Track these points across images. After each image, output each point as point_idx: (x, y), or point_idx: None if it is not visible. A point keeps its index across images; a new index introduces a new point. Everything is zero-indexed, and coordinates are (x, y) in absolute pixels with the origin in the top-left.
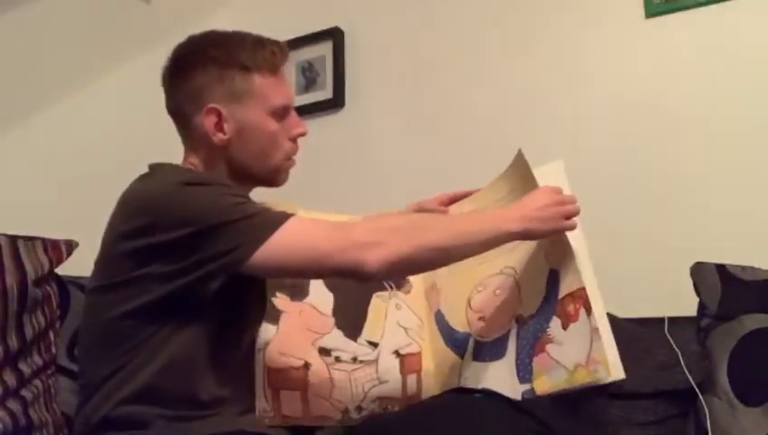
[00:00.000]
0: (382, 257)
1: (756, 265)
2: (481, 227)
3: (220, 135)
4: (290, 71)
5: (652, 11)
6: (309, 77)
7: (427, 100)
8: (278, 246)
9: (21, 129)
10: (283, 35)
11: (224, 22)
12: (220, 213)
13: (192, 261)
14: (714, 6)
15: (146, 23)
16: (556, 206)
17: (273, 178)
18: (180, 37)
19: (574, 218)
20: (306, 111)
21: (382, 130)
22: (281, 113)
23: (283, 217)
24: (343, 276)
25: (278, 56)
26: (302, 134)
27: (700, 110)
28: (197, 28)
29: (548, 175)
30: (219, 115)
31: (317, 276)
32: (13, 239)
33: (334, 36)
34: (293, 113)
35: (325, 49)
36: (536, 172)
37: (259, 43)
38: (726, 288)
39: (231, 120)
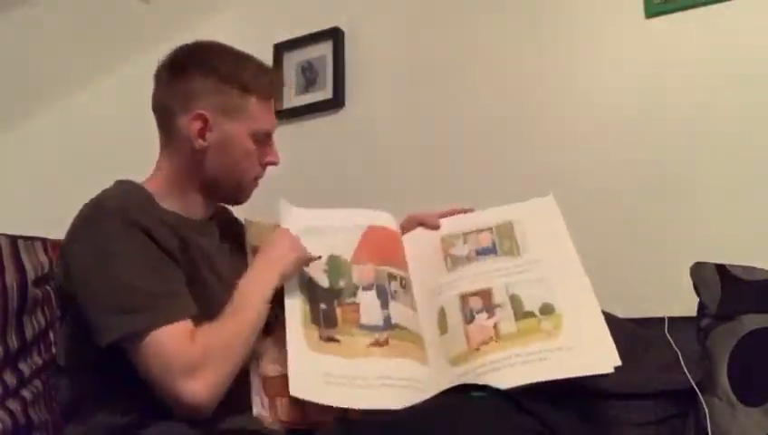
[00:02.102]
0: (206, 395)
1: (756, 265)
2: (254, 301)
3: (200, 141)
4: (290, 71)
5: (652, 11)
6: (309, 77)
7: (427, 100)
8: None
9: (21, 129)
10: (283, 35)
11: (224, 22)
12: (97, 288)
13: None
14: (714, 6)
15: (146, 23)
16: (290, 239)
17: (237, 194)
18: (180, 37)
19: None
20: (306, 111)
21: (382, 130)
22: (261, 138)
23: (159, 319)
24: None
25: (274, 85)
26: (274, 163)
27: (700, 109)
28: (197, 28)
29: (540, 204)
30: (206, 122)
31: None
32: (13, 239)
33: (334, 36)
34: (273, 141)
35: (325, 49)
36: (529, 202)
37: (261, 68)
38: (726, 288)
39: (215, 130)
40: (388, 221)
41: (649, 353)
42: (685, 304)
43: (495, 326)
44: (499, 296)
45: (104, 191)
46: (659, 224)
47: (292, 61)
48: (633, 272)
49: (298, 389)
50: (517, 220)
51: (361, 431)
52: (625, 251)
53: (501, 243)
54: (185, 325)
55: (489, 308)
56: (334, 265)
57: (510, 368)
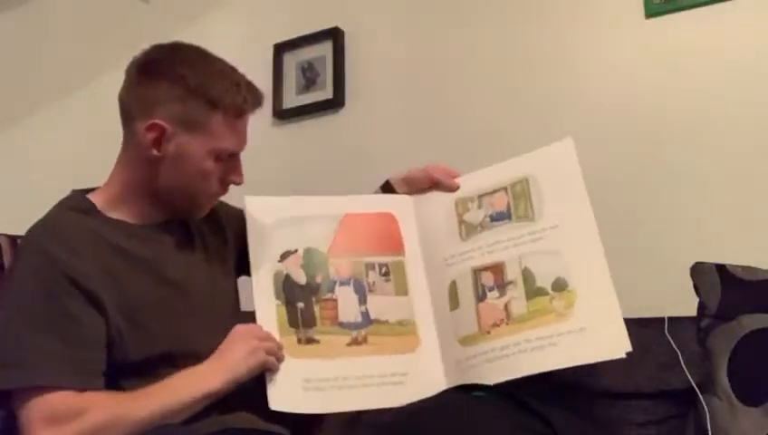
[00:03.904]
0: None
1: (756, 265)
2: (185, 396)
3: (154, 151)
4: (290, 71)
5: (652, 11)
6: (309, 77)
7: (427, 100)
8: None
9: (21, 128)
10: (283, 35)
11: (224, 22)
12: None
13: None
14: (714, 6)
15: (146, 23)
16: (252, 342)
17: (191, 209)
18: (180, 37)
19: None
20: (306, 111)
21: (382, 130)
22: (224, 157)
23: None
24: None
25: (249, 103)
26: (237, 183)
27: (700, 109)
28: (197, 28)
29: (557, 153)
30: (162, 133)
31: None
32: (13, 239)
33: (334, 36)
34: (239, 160)
35: (325, 49)
36: (546, 150)
37: (236, 83)
38: (726, 288)
39: (172, 142)
40: (369, 205)
41: (649, 353)
42: (685, 304)
43: (506, 307)
44: (511, 272)
45: (45, 215)
46: (659, 223)
47: (292, 61)
48: (633, 272)
49: (277, 402)
50: (532, 176)
51: (361, 431)
52: (625, 251)
53: (516, 206)
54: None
55: (501, 286)
56: (311, 259)
57: (520, 355)
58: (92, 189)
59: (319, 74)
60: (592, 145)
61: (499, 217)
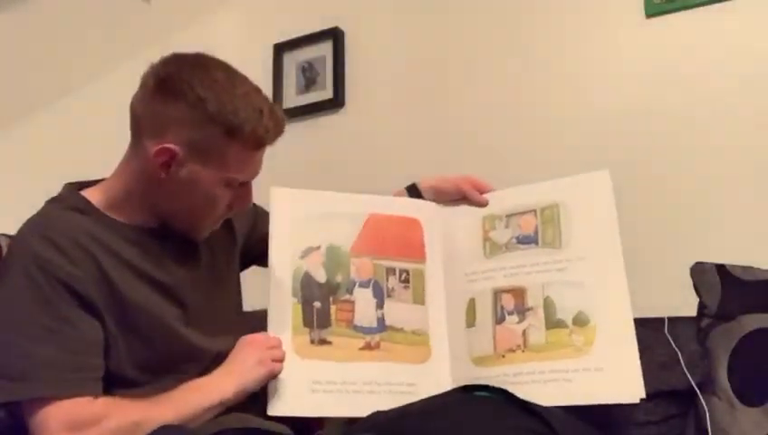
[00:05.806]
0: None
1: (756, 265)
2: (198, 404)
3: (161, 174)
4: (290, 71)
5: (652, 11)
6: (309, 77)
7: (427, 100)
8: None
9: (21, 128)
10: (283, 35)
11: (224, 22)
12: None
13: None
14: (714, 6)
15: (146, 23)
16: (261, 352)
17: (191, 233)
18: (180, 37)
19: (281, 364)
20: (306, 111)
21: (382, 130)
22: (235, 184)
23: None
24: None
25: (271, 134)
26: (243, 209)
27: (700, 109)
28: (198, 28)
29: (592, 184)
30: (173, 157)
31: None
32: None
33: (334, 36)
34: (249, 187)
35: (325, 49)
36: (581, 178)
37: (260, 111)
38: (726, 288)
39: (183, 167)
40: (396, 208)
41: (649, 353)
42: (685, 304)
43: (524, 333)
44: (533, 298)
45: (36, 215)
46: (659, 223)
47: (292, 61)
48: (633, 272)
49: (279, 407)
50: (564, 203)
51: (362, 429)
52: (625, 251)
53: (544, 231)
54: (80, 401)
55: (521, 310)
56: (332, 257)
57: (532, 384)
58: (86, 183)
59: (319, 74)
60: (592, 145)
61: (525, 241)
